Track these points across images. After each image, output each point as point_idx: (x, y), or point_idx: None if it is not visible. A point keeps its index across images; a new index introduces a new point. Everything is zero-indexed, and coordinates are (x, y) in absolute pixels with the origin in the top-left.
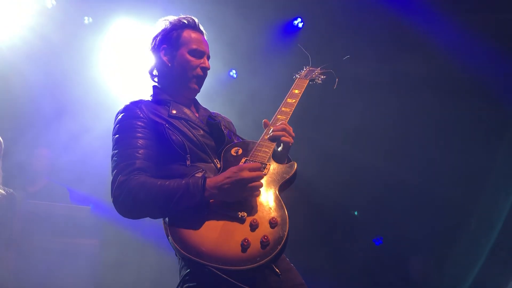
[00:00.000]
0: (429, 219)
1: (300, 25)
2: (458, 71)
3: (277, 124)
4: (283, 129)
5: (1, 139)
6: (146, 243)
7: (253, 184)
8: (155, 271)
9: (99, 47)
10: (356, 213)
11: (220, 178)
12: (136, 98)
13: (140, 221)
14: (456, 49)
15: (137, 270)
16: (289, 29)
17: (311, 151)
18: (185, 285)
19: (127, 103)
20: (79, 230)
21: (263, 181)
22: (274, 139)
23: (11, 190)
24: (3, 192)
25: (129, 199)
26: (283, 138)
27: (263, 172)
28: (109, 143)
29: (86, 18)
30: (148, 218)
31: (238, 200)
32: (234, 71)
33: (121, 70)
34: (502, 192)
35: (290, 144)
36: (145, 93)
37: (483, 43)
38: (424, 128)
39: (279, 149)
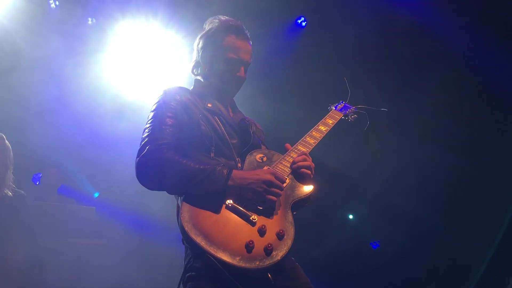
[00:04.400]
0: (429, 220)
1: (304, 24)
2: (460, 70)
3: (299, 156)
4: (304, 160)
5: (9, 144)
6: (150, 242)
7: (275, 190)
8: (159, 270)
9: (103, 48)
10: (351, 216)
11: (249, 173)
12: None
13: (143, 220)
14: (457, 49)
15: (141, 270)
16: (293, 28)
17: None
18: (187, 274)
19: (171, 87)
20: (84, 230)
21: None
22: (296, 170)
23: (22, 191)
24: (10, 193)
25: (153, 170)
26: (303, 170)
27: (284, 185)
28: (113, 144)
29: (89, 19)
30: (153, 217)
31: (254, 203)
32: None
33: (126, 70)
34: (503, 193)
35: (311, 176)
36: (151, 92)
37: (487, 44)
38: (425, 128)
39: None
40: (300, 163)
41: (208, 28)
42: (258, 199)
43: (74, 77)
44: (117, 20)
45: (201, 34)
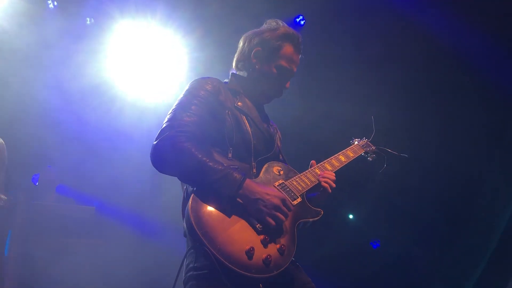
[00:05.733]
0: (430, 220)
1: (302, 22)
2: (460, 72)
3: (329, 171)
4: (333, 180)
5: (4, 143)
6: (150, 243)
7: (279, 215)
8: (159, 270)
9: (102, 48)
10: (351, 216)
11: (260, 188)
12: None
13: (143, 222)
14: (459, 48)
15: (140, 270)
16: (291, 27)
17: (312, 149)
18: (188, 274)
19: (205, 76)
20: (84, 230)
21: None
22: (321, 182)
23: (11, 197)
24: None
25: (167, 157)
26: (326, 186)
27: (294, 202)
28: (113, 144)
29: (88, 19)
30: (153, 217)
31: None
32: None
33: (125, 70)
34: (502, 193)
35: (328, 194)
36: (150, 91)
37: (488, 43)
38: (424, 128)
39: (319, 193)
40: (329, 181)
41: (268, 28)
42: (258, 217)
43: (73, 77)
44: (116, 19)
45: (258, 30)
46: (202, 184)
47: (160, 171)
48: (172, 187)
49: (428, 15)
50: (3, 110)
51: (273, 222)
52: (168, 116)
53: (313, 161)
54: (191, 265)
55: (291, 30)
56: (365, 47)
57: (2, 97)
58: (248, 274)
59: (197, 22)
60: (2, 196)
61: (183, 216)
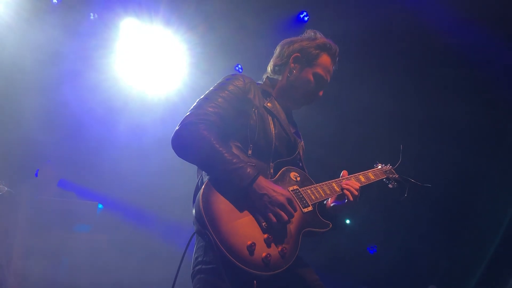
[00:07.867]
0: (429, 221)
1: (306, 18)
2: (465, 70)
3: (355, 182)
4: (357, 190)
5: None
6: (152, 238)
7: (282, 214)
8: (161, 265)
9: (105, 43)
10: (348, 221)
11: (271, 185)
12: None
13: (145, 218)
14: (459, 45)
15: (141, 266)
16: (295, 23)
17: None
18: (196, 267)
19: (238, 73)
20: (87, 225)
21: (297, 216)
22: (343, 189)
23: (9, 189)
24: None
25: (185, 142)
26: (348, 194)
27: (295, 211)
28: (117, 140)
29: (91, 14)
30: (156, 213)
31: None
32: (240, 66)
33: (128, 66)
34: (503, 192)
35: (351, 205)
36: (153, 87)
37: (489, 40)
38: (424, 127)
39: (339, 204)
40: (352, 189)
41: (307, 37)
42: (262, 212)
43: (77, 72)
44: (120, 15)
45: (296, 38)
46: (216, 171)
47: (179, 156)
48: (175, 182)
49: (432, 9)
50: (7, 106)
51: (274, 219)
52: (194, 105)
53: (344, 171)
54: (200, 259)
55: (329, 41)
56: (367, 42)
57: (5, 93)
58: (245, 268)
59: (200, 18)
60: (1, 186)
61: (194, 202)
